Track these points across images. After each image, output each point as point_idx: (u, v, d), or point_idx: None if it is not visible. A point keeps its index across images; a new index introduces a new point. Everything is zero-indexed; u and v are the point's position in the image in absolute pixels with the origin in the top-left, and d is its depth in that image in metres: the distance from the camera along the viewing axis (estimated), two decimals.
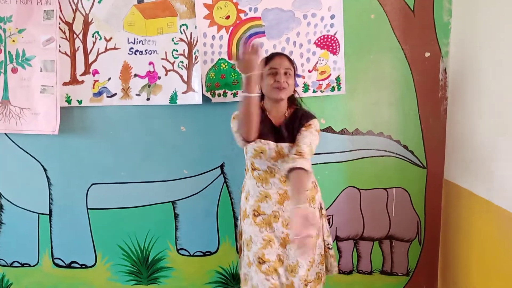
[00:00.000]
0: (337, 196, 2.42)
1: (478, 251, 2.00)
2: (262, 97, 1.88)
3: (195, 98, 2.28)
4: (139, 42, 2.27)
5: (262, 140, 1.78)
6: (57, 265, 2.53)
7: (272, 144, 1.79)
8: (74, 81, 2.31)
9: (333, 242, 2.45)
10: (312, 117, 1.84)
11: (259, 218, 1.85)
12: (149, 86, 2.30)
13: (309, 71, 2.27)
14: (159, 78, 2.29)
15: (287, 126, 1.81)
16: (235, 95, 2.28)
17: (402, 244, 2.46)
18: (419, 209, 2.42)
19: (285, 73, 1.77)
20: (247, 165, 1.92)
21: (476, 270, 2.02)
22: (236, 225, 2.45)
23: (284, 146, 1.79)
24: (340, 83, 2.28)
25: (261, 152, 1.80)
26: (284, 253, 1.84)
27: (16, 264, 2.55)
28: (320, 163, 2.36)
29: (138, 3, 2.23)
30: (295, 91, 1.91)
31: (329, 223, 2.42)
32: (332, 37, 2.25)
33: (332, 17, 2.23)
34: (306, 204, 1.61)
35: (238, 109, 1.73)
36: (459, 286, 2.21)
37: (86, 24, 2.27)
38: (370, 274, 2.50)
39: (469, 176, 2.08)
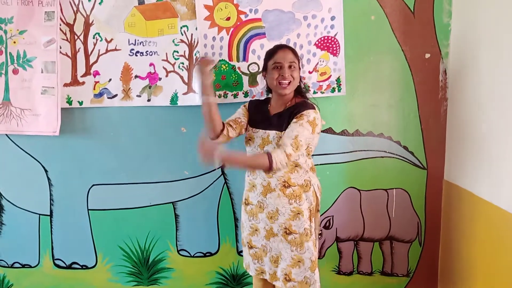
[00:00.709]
0: (338, 197, 2.42)
1: (479, 252, 2.00)
2: (269, 89, 1.93)
3: (196, 99, 2.28)
4: (140, 43, 2.27)
5: (253, 128, 1.89)
6: (58, 266, 2.54)
7: (261, 131, 1.85)
8: (75, 82, 2.32)
9: (333, 243, 2.46)
10: (308, 107, 1.79)
11: (248, 207, 1.93)
12: (149, 87, 2.31)
13: (310, 72, 2.27)
14: (160, 79, 2.29)
15: (280, 115, 1.83)
16: (235, 96, 2.29)
17: (402, 245, 2.46)
18: (420, 210, 2.42)
19: (290, 67, 1.78)
20: None
21: (477, 271, 2.02)
22: (236, 226, 2.45)
23: (271, 133, 1.82)
24: (340, 84, 2.29)
25: (249, 139, 1.90)
26: (268, 245, 1.89)
27: (16, 265, 2.55)
28: (320, 164, 2.36)
29: (139, 4, 2.24)
30: (301, 80, 1.91)
31: (329, 224, 2.42)
32: (333, 39, 2.25)
33: (333, 18, 2.23)
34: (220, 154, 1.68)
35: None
36: (459, 287, 2.21)
37: (87, 25, 2.28)
38: (371, 275, 2.50)
39: (469, 177, 2.09)
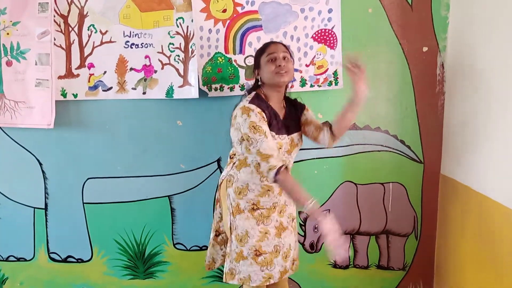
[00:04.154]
0: (334, 191, 2.41)
1: (474, 245, 2.01)
2: (259, 86, 1.85)
3: (192, 92, 2.26)
4: (135, 35, 2.25)
5: (281, 136, 1.77)
6: (53, 260, 2.53)
7: (286, 137, 1.80)
8: (69, 74, 2.29)
9: None
10: (302, 103, 1.96)
11: (257, 212, 1.80)
12: (145, 80, 2.28)
13: (307, 66, 2.26)
14: (155, 72, 2.27)
15: (291, 117, 1.87)
16: (231, 89, 2.27)
17: (398, 239, 2.46)
18: (416, 204, 2.42)
19: (284, 58, 1.76)
20: (244, 160, 1.81)
21: (472, 265, 2.03)
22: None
23: (294, 136, 1.85)
24: (337, 78, 2.28)
25: (280, 148, 1.76)
26: (279, 242, 1.84)
27: (11, 258, 2.54)
28: (317, 158, 2.36)
29: None
30: None
31: None
32: (330, 31, 2.24)
33: (330, 11, 2.21)
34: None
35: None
36: (455, 281, 2.22)
37: (82, 17, 2.25)
38: (367, 269, 2.50)
39: (466, 171, 2.08)
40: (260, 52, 1.82)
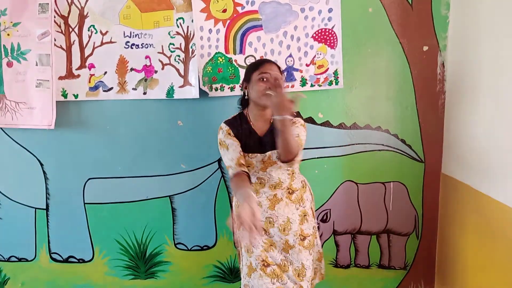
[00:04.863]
0: (335, 191, 2.41)
1: (476, 245, 2.01)
2: (247, 103, 1.84)
3: (192, 92, 2.26)
4: (135, 35, 2.25)
5: (250, 154, 1.77)
6: (55, 260, 2.53)
7: (259, 155, 1.77)
8: (70, 75, 2.30)
9: (330, 236, 2.46)
10: (294, 116, 1.81)
11: None
12: (145, 80, 2.29)
13: (307, 65, 2.26)
14: (156, 72, 2.27)
15: (271, 132, 1.77)
16: (232, 89, 2.27)
17: (399, 238, 2.46)
18: (417, 203, 2.42)
19: (275, 80, 1.72)
20: None
21: (473, 264, 2.03)
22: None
23: (272, 153, 1.77)
24: (338, 77, 2.28)
25: (249, 166, 1.78)
26: (287, 258, 1.83)
27: (13, 259, 2.55)
28: (318, 158, 2.36)
29: None
30: None
31: (327, 217, 2.42)
32: (330, 31, 2.24)
33: (330, 10, 2.21)
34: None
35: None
36: (456, 280, 2.22)
37: (82, 17, 2.25)
38: (368, 268, 2.50)
39: (466, 170, 2.08)
40: (253, 68, 1.76)
